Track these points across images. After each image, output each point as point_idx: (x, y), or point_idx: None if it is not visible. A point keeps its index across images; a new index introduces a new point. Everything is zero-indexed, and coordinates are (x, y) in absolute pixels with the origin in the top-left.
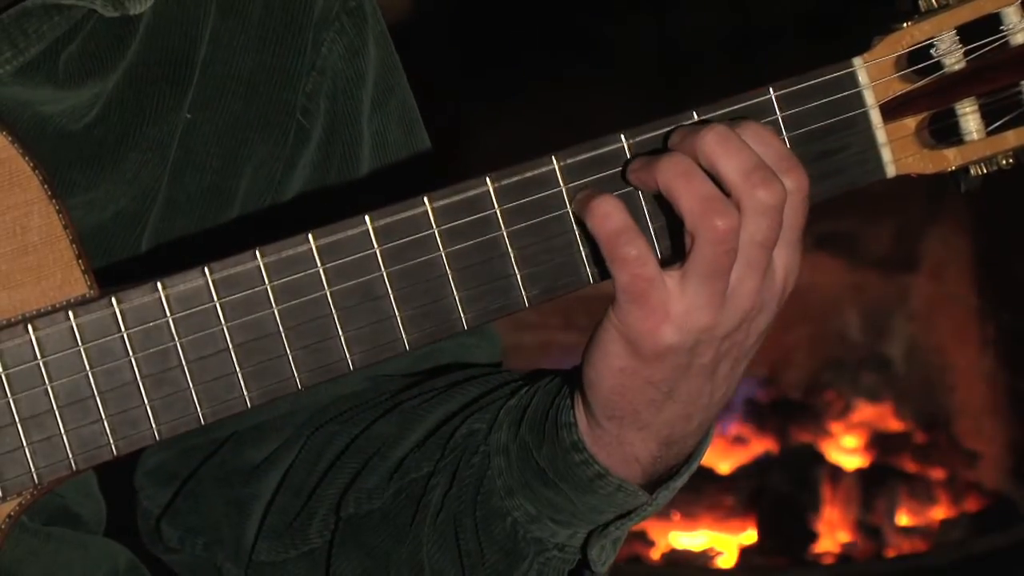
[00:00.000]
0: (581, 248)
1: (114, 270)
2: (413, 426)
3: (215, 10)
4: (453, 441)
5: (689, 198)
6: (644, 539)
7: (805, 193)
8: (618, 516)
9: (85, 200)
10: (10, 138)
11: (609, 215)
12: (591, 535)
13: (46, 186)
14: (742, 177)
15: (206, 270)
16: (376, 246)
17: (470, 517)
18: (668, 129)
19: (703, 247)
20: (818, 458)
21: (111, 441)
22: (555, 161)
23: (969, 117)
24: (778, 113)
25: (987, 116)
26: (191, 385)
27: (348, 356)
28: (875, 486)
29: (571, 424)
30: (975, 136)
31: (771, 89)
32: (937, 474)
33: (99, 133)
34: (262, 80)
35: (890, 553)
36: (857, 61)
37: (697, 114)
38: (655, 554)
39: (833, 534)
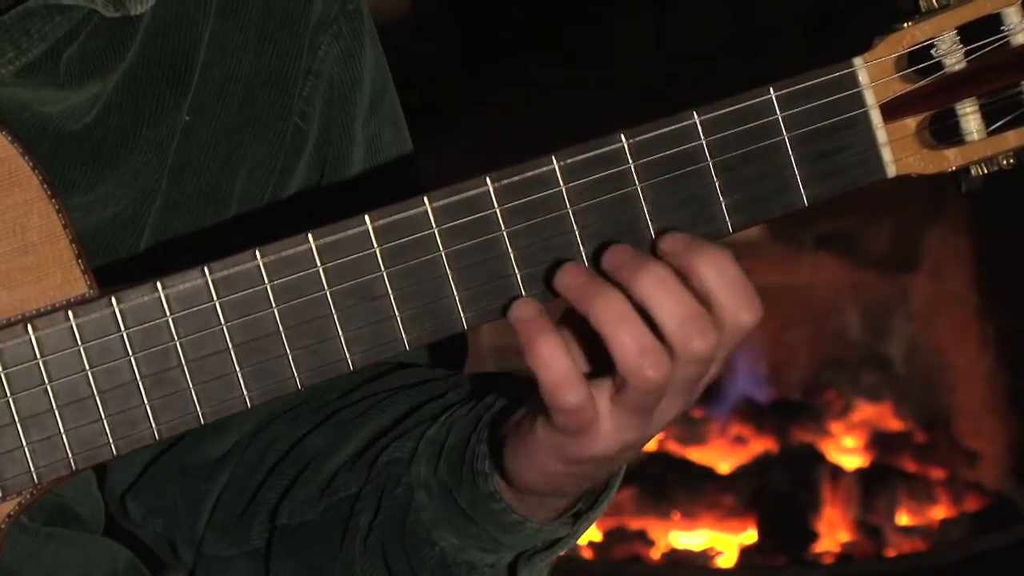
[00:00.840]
0: (581, 248)
1: (113, 270)
2: (343, 442)
3: (215, 12)
4: (377, 466)
5: (622, 345)
6: (644, 539)
7: (754, 325)
8: (544, 547)
9: (85, 201)
10: (9, 138)
11: (549, 364)
12: (518, 559)
13: (45, 186)
14: (678, 325)
15: (206, 270)
16: (376, 246)
17: (398, 544)
18: (668, 129)
19: (634, 392)
20: (818, 458)
21: (111, 441)
22: (555, 161)
23: (970, 117)
24: (778, 113)
25: (988, 116)
26: (191, 385)
27: (348, 356)
28: (875, 486)
29: (487, 474)
30: (976, 136)
31: (771, 89)
32: (937, 474)
33: (99, 134)
34: (259, 83)
35: (890, 553)
36: (858, 61)
37: (697, 114)
38: (655, 554)
39: (833, 534)
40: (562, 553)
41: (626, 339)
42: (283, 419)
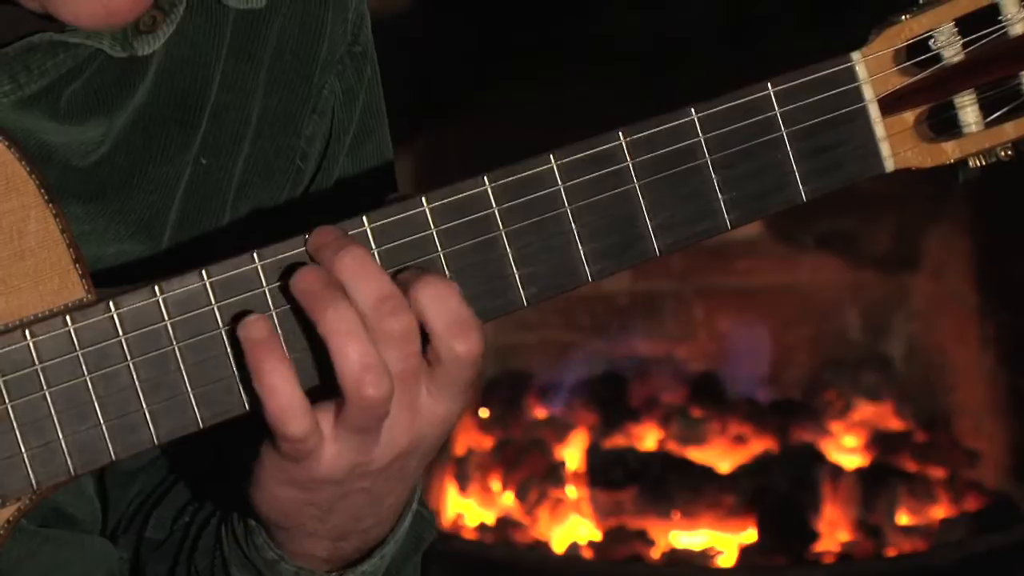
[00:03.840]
0: (579, 247)
1: (111, 274)
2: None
3: (227, 52)
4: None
5: (346, 359)
6: (644, 538)
7: (475, 358)
8: None
9: (79, 231)
10: (6, 143)
11: (275, 391)
12: None
13: (43, 190)
14: (373, 306)
15: (204, 273)
16: (374, 247)
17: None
18: (666, 126)
19: (354, 410)
20: (818, 457)
21: (110, 446)
22: (553, 159)
23: (968, 109)
24: (776, 109)
25: (985, 108)
26: (190, 389)
27: None
28: (875, 485)
29: (241, 516)
30: (974, 128)
31: (769, 84)
32: (937, 473)
33: (104, 172)
34: (267, 124)
35: (890, 552)
36: (856, 55)
37: (695, 111)
38: (655, 553)
39: (833, 533)
40: None
41: (351, 353)
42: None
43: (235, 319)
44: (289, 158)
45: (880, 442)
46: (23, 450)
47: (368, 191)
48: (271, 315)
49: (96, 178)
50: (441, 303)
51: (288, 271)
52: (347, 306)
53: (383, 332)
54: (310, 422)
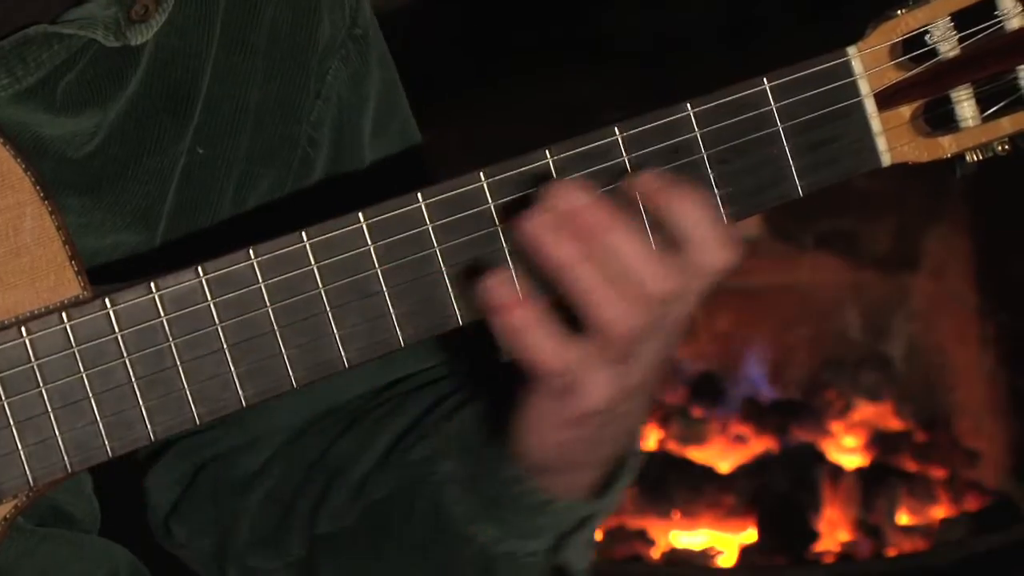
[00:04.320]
0: None
1: (107, 270)
2: (368, 444)
3: (218, 42)
4: (406, 466)
5: (593, 295)
6: (644, 538)
7: (723, 266)
8: (573, 528)
9: (77, 224)
10: (1, 140)
11: (532, 328)
12: (559, 543)
13: (38, 187)
14: (641, 268)
15: (199, 269)
16: (370, 243)
17: (437, 544)
18: (663, 122)
19: (608, 341)
20: (818, 457)
21: (106, 443)
22: (549, 155)
23: (964, 104)
24: (772, 104)
25: (982, 102)
26: (186, 385)
27: (343, 354)
28: (875, 485)
29: (508, 457)
30: (970, 123)
31: (765, 80)
32: (937, 473)
33: (99, 163)
34: (267, 112)
35: (890, 552)
36: (851, 50)
37: (691, 106)
38: (655, 553)
39: (833, 533)
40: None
41: (598, 289)
42: (313, 431)
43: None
44: (292, 145)
45: (880, 442)
46: (19, 447)
47: (397, 175)
48: (267, 311)
49: (91, 169)
50: (697, 213)
51: (283, 263)
52: (582, 244)
53: (653, 294)
54: (566, 354)
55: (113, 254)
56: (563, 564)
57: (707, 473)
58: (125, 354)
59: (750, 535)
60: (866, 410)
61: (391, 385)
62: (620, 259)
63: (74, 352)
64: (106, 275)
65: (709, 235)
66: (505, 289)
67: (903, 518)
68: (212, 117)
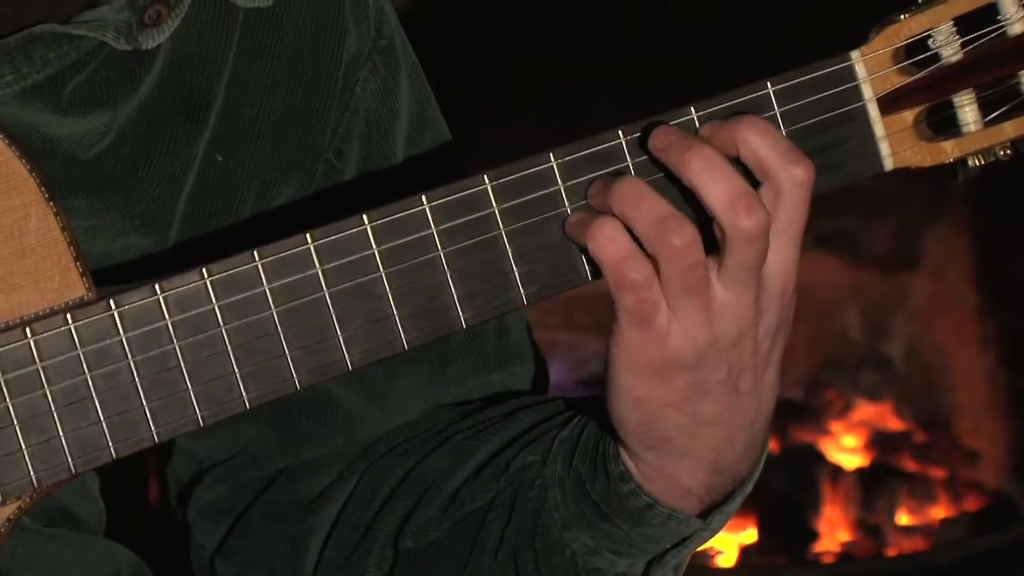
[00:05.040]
0: None
1: (113, 272)
2: (466, 457)
3: (237, 50)
4: (508, 474)
5: (712, 191)
6: None
7: (810, 186)
8: (674, 544)
9: (86, 226)
10: (7, 141)
11: (613, 239)
12: (650, 565)
13: (43, 189)
14: (727, 206)
15: (204, 271)
16: (374, 246)
17: (529, 551)
18: (666, 125)
19: (669, 267)
20: (818, 457)
21: (110, 444)
22: (553, 158)
23: (967, 108)
24: (776, 108)
25: (984, 107)
26: (190, 387)
27: (347, 356)
28: (875, 485)
29: (616, 456)
30: (972, 128)
31: (768, 84)
32: (937, 473)
33: (109, 164)
34: (291, 122)
35: (890, 552)
36: (855, 54)
37: (695, 109)
38: None
39: (833, 533)
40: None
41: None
42: (390, 456)
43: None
44: (314, 155)
45: (880, 442)
46: (24, 448)
47: (437, 179)
48: (271, 313)
49: (100, 170)
50: (767, 135)
51: (288, 265)
52: (707, 147)
53: (739, 231)
54: (648, 266)
55: (122, 257)
56: None
57: None
58: (129, 355)
59: (750, 535)
60: (866, 410)
61: (485, 402)
62: (707, 195)
63: (78, 353)
64: (115, 277)
65: (781, 151)
66: (609, 222)
67: (903, 518)
68: (232, 124)
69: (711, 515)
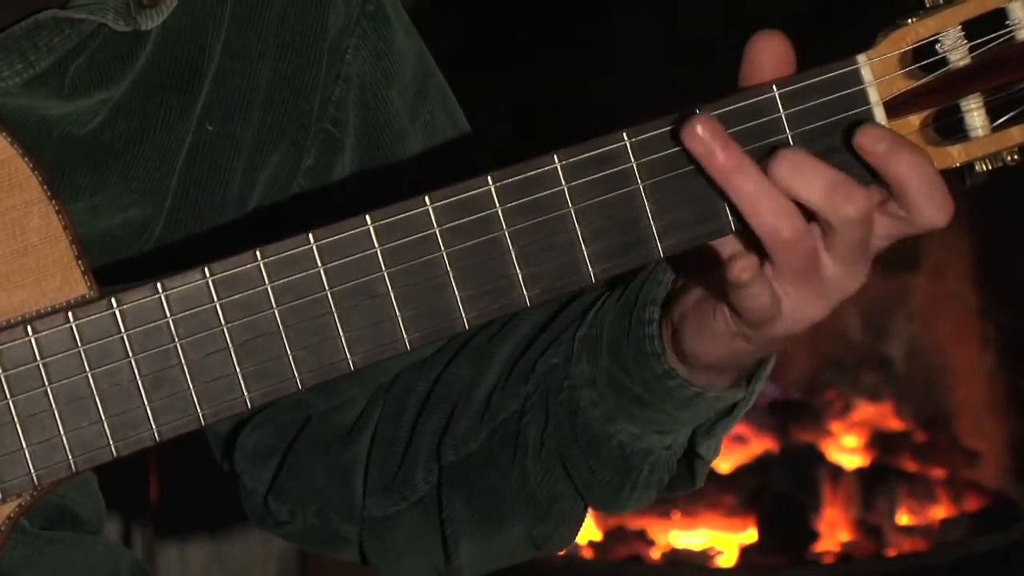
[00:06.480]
0: (583, 247)
1: (115, 271)
2: (488, 363)
3: (229, 20)
4: (535, 378)
5: (762, 215)
6: (644, 539)
7: (942, 223)
8: (720, 416)
9: (89, 205)
10: (9, 139)
11: (747, 266)
12: (696, 434)
13: (45, 187)
14: (824, 197)
15: (206, 270)
16: (377, 245)
17: (574, 447)
18: (671, 127)
19: (779, 256)
20: (818, 457)
21: (111, 442)
22: (557, 160)
23: (974, 113)
24: (781, 110)
25: (992, 112)
26: (191, 386)
27: (349, 356)
28: (875, 485)
29: (659, 355)
30: (980, 133)
31: (774, 86)
32: (937, 473)
33: (106, 138)
34: (279, 90)
35: (890, 552)
36: (861, 58)
37: (700, 111)
38: (655, 553)
39: (833, 533)
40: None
41: (745, 195)
42: (410, 370)
43: (242, 315)
44: (304, 123)
45: (880, 442)
46: (24, 446)
47: (448, 128)
48: (273, 312)
49: (98, 145)
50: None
51: (290, 264)
52: (756, 170)
53: (842, 217)
54: (768, 286)
55: (122, 232)
56: (696, 456)
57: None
58: (131, 354)
59: (750, 535)
60: (866, 410)
61: None
62: (802, 192)
63: (80, 351)
64: (114, 267)
65: (927, 192)
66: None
67: (903, 518)
68: (222, 94)
69: (752, 383)
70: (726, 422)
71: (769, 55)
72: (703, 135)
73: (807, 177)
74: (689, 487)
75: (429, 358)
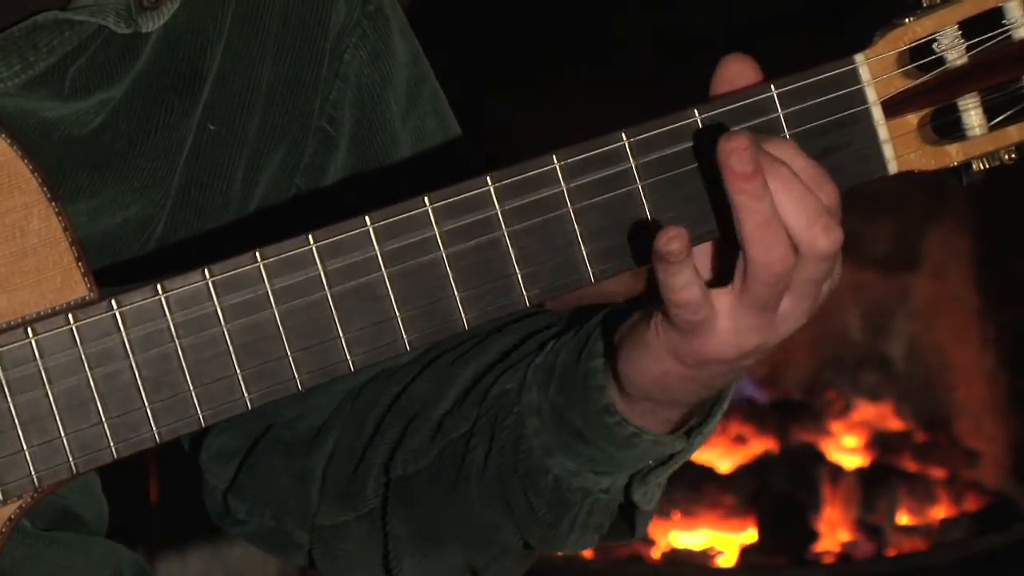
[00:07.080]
0: (582, 247)
1: (115, 272)
2: (449, 383)
3: (230, 21)
4: (487, 402)
5: (752, 227)
6: (644, 538)
7: (834, 252)
8: (657, 464)
9: (90, 206)
10: (9, 141)
11: (677, 235)
12: (632, 480)
13: (45, 188)
14: (805, 224)
15: (206, 272)
16: (377, 247)
17: (513, 477)
18: (669, 128)
19: (758, 284)
20: (818, 457)
21: (111, 444)
22: (556, 160)
23: (971, 112)
24: (779, 110)
25: (989, 111)
26: (191, 387)
27: (349, 357)
28: (875, 485)
29: (601, 388)
30: (977, 131)
31: (772, 86)
32: (937, 473)
33: (107, 139)
34: (279, 90)
35: (890, 552)
36: (859, 57)
37: (698, 112)
38: (655, 553)
39: (833, 533)
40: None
41: (757, 222)
42: (378, 380)
43: (243, 316)
44: (304, 123)
45: (880, 442)
46: (25, 448)
47: (437, 133)
48: (273, 314)
49: (98, 145)
50: (800, 201)
51: (290, 266)
52: (762, 180)
53: (815, 250)
54: (702, 289)
55: (122, 232)
56: (632, 504)
57: (707, 473)
58: (131, 355)
59: (750, 535)
60: (866, 410)
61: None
62: (786, 211)
63: (80, 353)
64: (114, 269)
65: (810, 221)
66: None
67: (903, 518)
68: (224, 94)
69: (693, 436)
70: (661, 471)
71: (739, 77)
72: (743, 152)
73: (796, 198)
74: (628, 536)
75: (397, 370)
